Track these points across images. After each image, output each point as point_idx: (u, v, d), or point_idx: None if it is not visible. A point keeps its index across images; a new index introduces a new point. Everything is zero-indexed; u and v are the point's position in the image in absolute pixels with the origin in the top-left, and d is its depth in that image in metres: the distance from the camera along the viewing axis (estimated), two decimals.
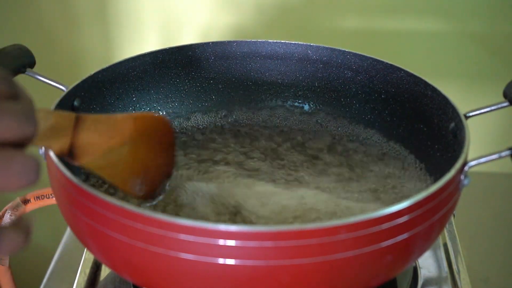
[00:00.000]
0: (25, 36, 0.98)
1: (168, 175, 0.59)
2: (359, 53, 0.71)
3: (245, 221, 0.57)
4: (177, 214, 0.58)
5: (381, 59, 0.70)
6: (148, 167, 0.56)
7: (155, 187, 0.57)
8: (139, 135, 0.53)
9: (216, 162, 0.67)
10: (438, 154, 0.63)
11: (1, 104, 0.34)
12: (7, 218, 0.65)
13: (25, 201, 0.66)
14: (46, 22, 0.99)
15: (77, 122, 0.47)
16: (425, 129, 0.66)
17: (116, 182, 0.53)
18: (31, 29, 0.98)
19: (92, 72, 0.65)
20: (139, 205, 0.57)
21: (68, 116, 0.46)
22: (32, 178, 0.35)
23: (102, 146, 0.50)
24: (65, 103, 0.61)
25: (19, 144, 0.35)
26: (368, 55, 0.71)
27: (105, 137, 0.50)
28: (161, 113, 0.73)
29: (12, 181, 0.34)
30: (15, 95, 0.36)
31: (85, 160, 0.48)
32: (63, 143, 0.46)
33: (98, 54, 1.01)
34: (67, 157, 0.47)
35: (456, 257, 0.65)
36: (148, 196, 0.57)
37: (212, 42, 0.74)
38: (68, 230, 0.73)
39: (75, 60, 1.01)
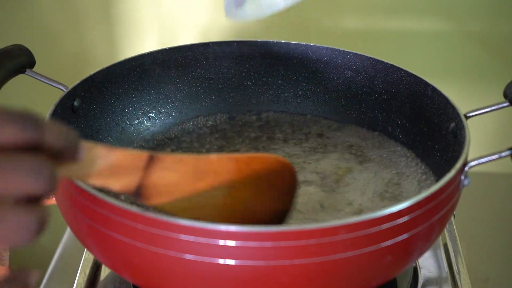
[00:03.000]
0: (25, 36, 0.98)
1: (279, 221, 0.51)
2: (359, 53, 0.71)
3: None
4: None
5: (381, 59, 0.70)
6: (252, 212, 0.49)
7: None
8: (243, 178, 0.47)
9: None
10: (438, 154, 0.63)
11: (11, 157, 0.32)
12: None
13: None
14: (46, 22, 0.99)
15: (150, 162, 0.42)
16: (425, 129, 0.66)
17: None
18: (31, 29, 0.98)
19: (92, 72, 0.65)
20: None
21: (138, 155, 0.42)
22: (23, 238, 0.32)
23: (183, 188, 0.45)
24: (65, 103, 0.61)
25: (30, 199, 0.32)
26: (368, 55, 0.71)
27: (189, 178, 0.45)
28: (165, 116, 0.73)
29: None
30: (40, 145, 0.33)
31: (158, 201, 0.44)
32: (126, 183, 0.42)
33: (98, 54, 1.01)
34: (136, 196, 0.43)
35: (456, 257, 0.65)
36: None
37: (212, 42, 0.74)
38: (68, 230, 0.73)
39: (75, 60, 1.01)
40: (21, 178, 0.32)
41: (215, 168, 0.46)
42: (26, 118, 0.32)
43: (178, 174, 0.44)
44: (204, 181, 0.45)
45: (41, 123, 0.33)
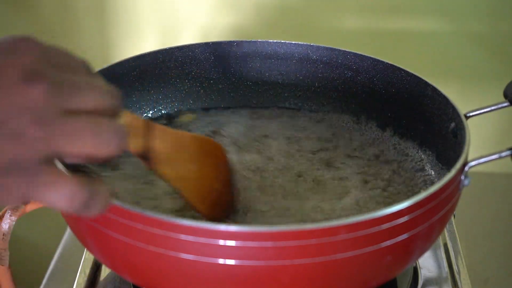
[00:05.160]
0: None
1: (229, 205, 0.58)
2: (359, 53, 0.71)
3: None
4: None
5: (381, 59, 0.70)
6: (213, 189, 0.56)
7: (219, 211, 0.57)
8: (204, 156, 0.54)
9: None
10: (438, 154, 0.63)
11: (89, 81, 0.41)
12: (7, 218, 0.65)
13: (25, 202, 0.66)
14: (45, 23, 0.99)
15: (147, 127, 0.46)
16: (425, 129, 0.66)
17: (189, 197, 0.53)
18: (30, 29, 0.98)
19: None
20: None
21: (138, 118, 0.46)
22: (121, 144, 0.37)
23: (173, 158, 0.50)
24: None
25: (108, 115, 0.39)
26: (368, 55, 0.71)
27: (175, 150, 0.50)
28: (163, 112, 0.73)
29: (102, 147, 0.37)
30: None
31: (160, 168, 0.48)
32: (136, 143, 0.45)
33: (97, 54, 1.01)
34: (143, 160, 0.47)
35: (456, 257, 0.65)
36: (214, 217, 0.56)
37: (212, 42, 0.74)
38: (68, 230, 0.73)
39: None
40: (100, 95, 0.41)
41: (187, 143, 0.52)
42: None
43: (167, 144, 0.49)
44: (183, 154, 0.52)
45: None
